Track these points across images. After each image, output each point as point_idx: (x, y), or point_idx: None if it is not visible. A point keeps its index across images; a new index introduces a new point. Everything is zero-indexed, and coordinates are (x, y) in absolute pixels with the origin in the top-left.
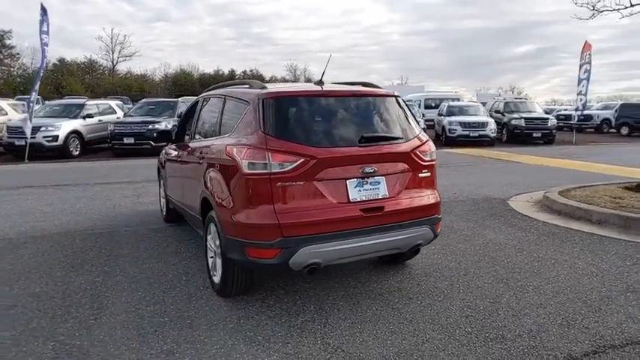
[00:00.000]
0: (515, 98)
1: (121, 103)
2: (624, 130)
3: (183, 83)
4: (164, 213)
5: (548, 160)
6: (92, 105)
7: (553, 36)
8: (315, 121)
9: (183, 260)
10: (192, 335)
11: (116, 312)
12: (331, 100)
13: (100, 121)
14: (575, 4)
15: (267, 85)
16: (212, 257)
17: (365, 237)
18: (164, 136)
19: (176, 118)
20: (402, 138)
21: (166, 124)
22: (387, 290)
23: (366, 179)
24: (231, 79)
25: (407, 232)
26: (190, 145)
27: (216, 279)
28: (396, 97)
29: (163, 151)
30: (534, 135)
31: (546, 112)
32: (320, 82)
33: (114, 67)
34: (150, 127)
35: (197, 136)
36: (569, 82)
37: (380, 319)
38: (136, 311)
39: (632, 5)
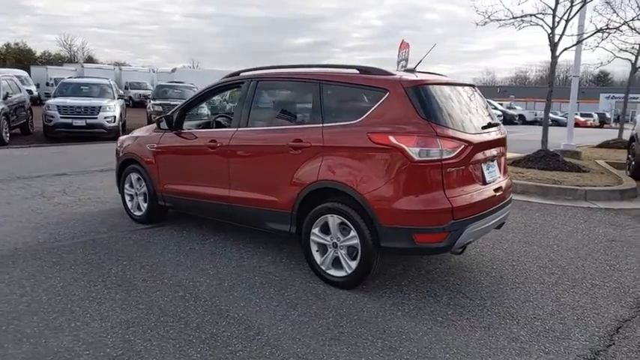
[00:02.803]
0: None
1: None
2: None
3: None
4: (138, 214)
5: None
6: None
7: (327, 31)
8: (454, 109)
9: (244, 261)
10: (381, 328)
11: (264, 323)
12: (458, 89)
13: None
14: (476, 11)
15: (386, 70)
16: (318, 251)
17: (494, 214)
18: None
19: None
20: (500, 124)
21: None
22: (473, 264)
23: (490, 162)
24: None
25: (507, 209)
26: (243, 133)
27: (336, 272)
28: None
29: (137, 142)
30: None
31: None
32: (413, 70)
33: None
34: None
35: (251, 123)
36: None
37: (504, 287)
38: (286, 318)
39: (513, 18)
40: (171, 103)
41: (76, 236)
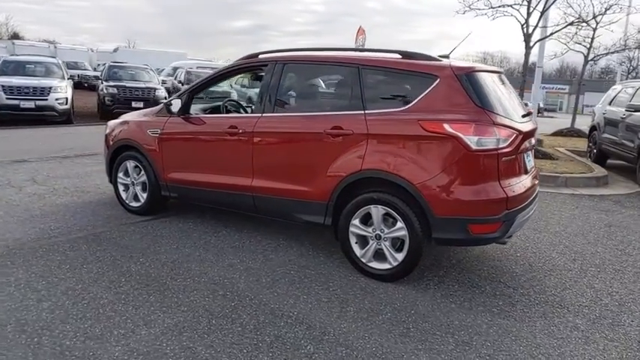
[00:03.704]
0: None
1: None
2: None
3: None
4: (136, 205)
5: None
6: None
7: (265, 14)
8: (501, 97)
9: (270, 254)
10: (444, 322)
11: (324, 321)
12: (499, 77)
13: None
14: (458, 1)
15: (431, 55)
16: (357, 243)
17: (533, 203)
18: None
19: None
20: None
21: None
22: (497, 251)
23: (529, 152)
24: None
25: (538, 198)
26: (269, 119)
27: (379, 265)
28: None
29: (134, 127)
30: None
31: None
32: (447, 57)
33: None
34: None
35: (277, 109)
36: None
37: (538, 275)
38: (344, 315)
39: (492, 7)
40: (127, 85)
41: (72, 231)
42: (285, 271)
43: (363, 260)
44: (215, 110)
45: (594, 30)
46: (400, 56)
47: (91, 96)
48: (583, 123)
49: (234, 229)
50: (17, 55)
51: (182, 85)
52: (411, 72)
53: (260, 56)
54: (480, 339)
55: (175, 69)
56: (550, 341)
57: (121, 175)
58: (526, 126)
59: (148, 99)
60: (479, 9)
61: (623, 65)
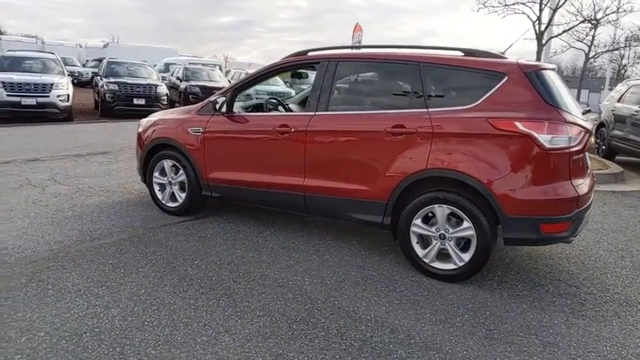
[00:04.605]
0: None
1: None
2: None
3: None
4: (173, 205)
5: None
6: None
7: (249, 10)
8: (566, 95)
9: (324, 254)
10: (523, 323)
11: (405, 324)
12: (556, 73)
13: None
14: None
15: (494, 53)
16: (418, 242)
17: (592, 202)
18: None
19: None
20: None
21: None
22: (545, 250)
23: (588, 150)
24: None
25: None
26: (323, 117)
27: (444, 265)
28: None
29: (173, 125)
30: None
31: None
32: (503, 55)
33: None
34: None
35: (332, 107)
36: (267, 54)
37: (595, 273)
38: (422, 318)
39: (506, 5)
40: (128, 81)
41: (112, 233)
42: (346, 272)
43: (426, 260)
44: (257, 108)
45: (595, 28)
46: (463, 54)
47: (84, 92)
48: None
49: (277, 229)
50: (14, 51)
51: (180, 81)
52: (478, 70)
53: (309, 54)
54: (564, 340)
55: (167, 65)
56: (633, 340)
57: (156, 174)
58: (589, 124)
59: (150, 95)
60: (493, 6)
61: (613, 63)
